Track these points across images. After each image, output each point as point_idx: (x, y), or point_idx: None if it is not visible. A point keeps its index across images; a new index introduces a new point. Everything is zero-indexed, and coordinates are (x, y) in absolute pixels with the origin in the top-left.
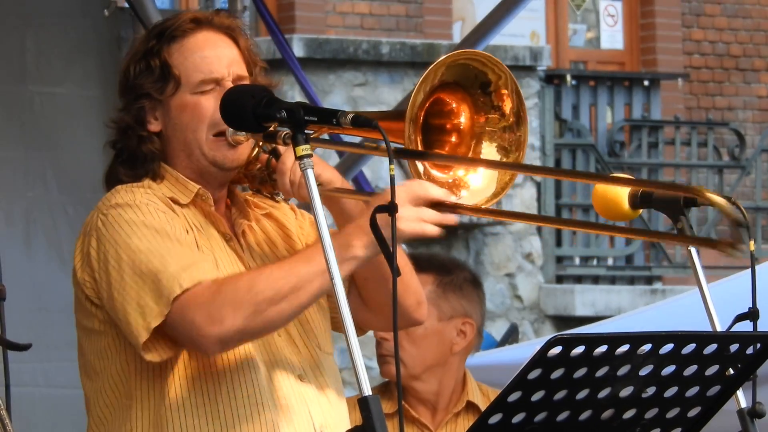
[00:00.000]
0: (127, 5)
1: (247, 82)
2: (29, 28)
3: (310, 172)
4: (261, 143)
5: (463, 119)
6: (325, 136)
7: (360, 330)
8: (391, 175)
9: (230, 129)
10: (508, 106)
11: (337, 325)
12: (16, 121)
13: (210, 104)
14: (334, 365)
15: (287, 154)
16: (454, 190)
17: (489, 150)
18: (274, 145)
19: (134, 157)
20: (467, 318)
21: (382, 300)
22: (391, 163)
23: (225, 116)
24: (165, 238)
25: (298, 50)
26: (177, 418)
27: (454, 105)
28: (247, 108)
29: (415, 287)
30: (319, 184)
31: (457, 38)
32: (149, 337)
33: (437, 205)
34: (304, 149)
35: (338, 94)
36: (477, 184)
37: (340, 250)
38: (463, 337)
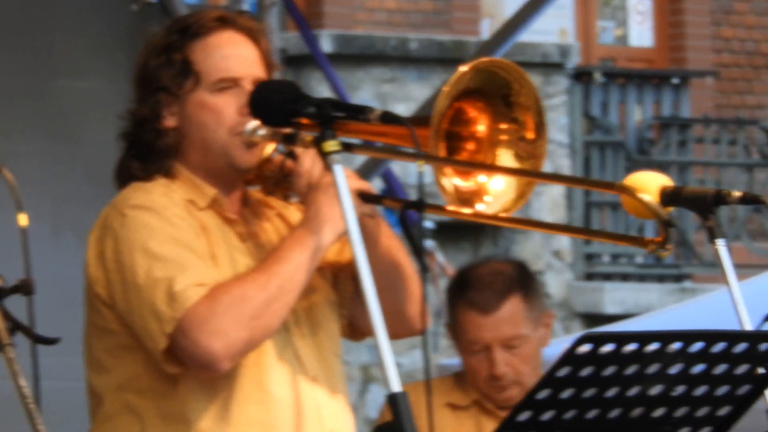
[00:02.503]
0: (155, 0)
1: None
2: (58, 23)
3: (338, 168)
4: (277, 144)
5: (483, 127)
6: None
7: (360, 336)
8: (419, 172)
9: (246, 130)
10: (528, 119)
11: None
12: (45, 116)
13: (228, 104)
14: (343, 369)
15: (305, 156)
16: (477, 196)
17: (505, 158)
18: (291, 147)
19: (148, 151)
20: (545, 310)
21: (387, 307)
22: (420, 152)
23: (254, 110)
24: (180, 246)
25: (326, 46)
26: (187, 416)
27: (474, 113)
28: (275, 103)
29: (417, 296)
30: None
31: (485, 35)
32: (166, 347)
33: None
34: (332, 145)
35: (366, 90)
36: (499, 189)
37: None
38: (548, 328)
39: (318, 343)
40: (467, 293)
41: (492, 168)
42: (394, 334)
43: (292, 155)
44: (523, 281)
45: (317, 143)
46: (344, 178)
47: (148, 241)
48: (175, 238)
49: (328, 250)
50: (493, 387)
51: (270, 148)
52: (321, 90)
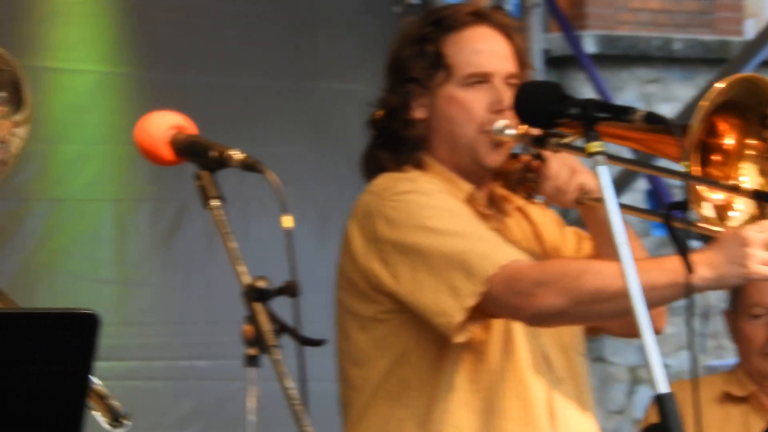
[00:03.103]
0: (417, 1)
1: (516, 81)
2: (322, 25)
3: (603, 170)
4: (525, 145)
5: (732, 141)
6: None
7: (595, 332)
8: (686, 173)
9: (495, 129)
10: None
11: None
12: (309, 117)
13: (478, 100)
14: (586, 367)
15: (553, 159)
16: (726, 210)
17: (749, 172)
18: (540, 149)
19: (397, 141)
20: None
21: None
22: (686, 160)
23: (518, 110)
24: (463, 220)
25: (590, 47)
26: (451, 410)
27: (726, 126)
28: (539, 103)
29: None
30: (585, 193)
31: (749, 35)
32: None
33: None
34: (596, 146)
35: (630, 90)
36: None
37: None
38: None
39: (562, 342)
40: None
41: (749, 194)
42: (632, 333)
43: (539, 156)
44: None
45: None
46: (609, 179)
47: (429, 221)
48: (457, 214)
49: (567, 247)
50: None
51: (512, 147)
52: (584, 91)
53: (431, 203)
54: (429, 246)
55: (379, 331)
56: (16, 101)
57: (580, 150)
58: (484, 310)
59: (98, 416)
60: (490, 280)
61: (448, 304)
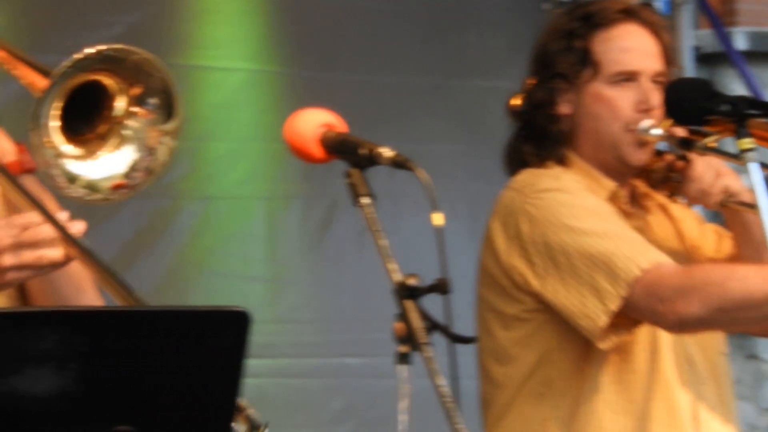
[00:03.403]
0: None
1: (663, 79)
2: (471, 22)
3: (755, 167)
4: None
5: None
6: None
7: (731, 332)
8: None
9: (641, 128)
10: None
11: None
12: (460, 116)
13: (624, 98)
14: (728, 366)
15: (697, 161)
16: None
17: None
18: (686, 151)
19: (541, 135)
20: None
21: None
22: None
23: (668, 107)
24: (607, 220)
25: (740, 43)
26: (596, 410)
27: None
28: (690, 100)
29: None
30: (730, 196)
31: None
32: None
33: None
34: (747, 143)
35: None
36: None
37: None
38: None
39: (704, 342)
40: None
41: None
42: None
43: (683, 157)
44: None
45: (735, 135)
46: (761, 176)
47: (572, 220)
48: (600, 214)
49: (707, 245)
50: None
51: (655, 146)
52: (735, 88)
53: (574, 202)
54: (573, 246)
55: (522, 330)
56: (167, 110)
57: (727, 154)
58: (626, 314)
59: (236, 426)
60: (633, 285)
61: (593, 307)
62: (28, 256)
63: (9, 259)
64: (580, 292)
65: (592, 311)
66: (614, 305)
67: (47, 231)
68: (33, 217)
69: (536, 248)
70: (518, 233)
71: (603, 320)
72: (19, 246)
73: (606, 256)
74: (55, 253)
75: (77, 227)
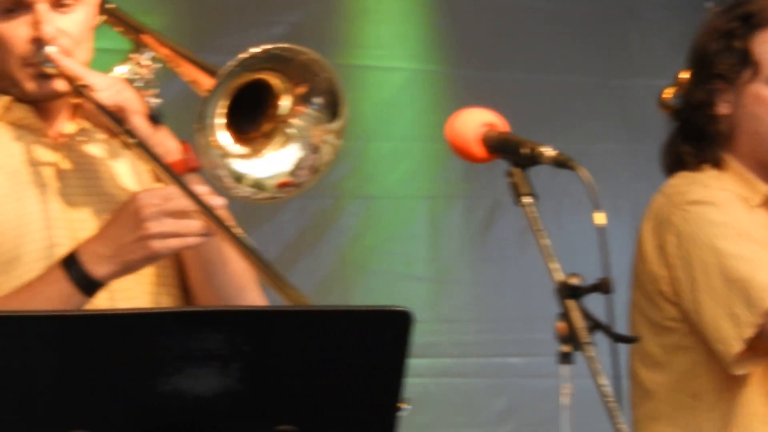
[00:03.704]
0: None
1: None
2: (634, 20)
3: None
4: None
5: None
6: None
7: None
8: None
9: None
10: None
11: None
12: (622, 115)
13: None
14: None
15: None
16: None
17: None
18: None
19: (700, 136)
20: None
21: None
22: None
23: None
24: (750, 240)
25: None
26: (749, 424)
27: None
28: None
29: None
30: None
31: None
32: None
33: None
34: None
35: None
36: None
37: None
38: None
39: None
40: None
41: None
42: None
43: None
44: None
45: None
46: None
47: (716, 239)
48: (745, 235)
49: None
50: None
51: None
52: None
53: (721, 220)
54: (713, 267)
55: (669, 339)
56: (332, 109)
57: None
58: (759, 342)
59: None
60: (767, 314)
61: (728, 332)
62: (171, 225)
63: (153, 227)
64: (716, 315)
65: (727, 337)
66: (749, 332)
67: (187, 203)
68: (174, 189)
69: (679, 263)
70: (664, 244)
71: (737, 347)
72: (161, 214)
73: (744, 281)
74: (196, 224)
75: (217, 201)
